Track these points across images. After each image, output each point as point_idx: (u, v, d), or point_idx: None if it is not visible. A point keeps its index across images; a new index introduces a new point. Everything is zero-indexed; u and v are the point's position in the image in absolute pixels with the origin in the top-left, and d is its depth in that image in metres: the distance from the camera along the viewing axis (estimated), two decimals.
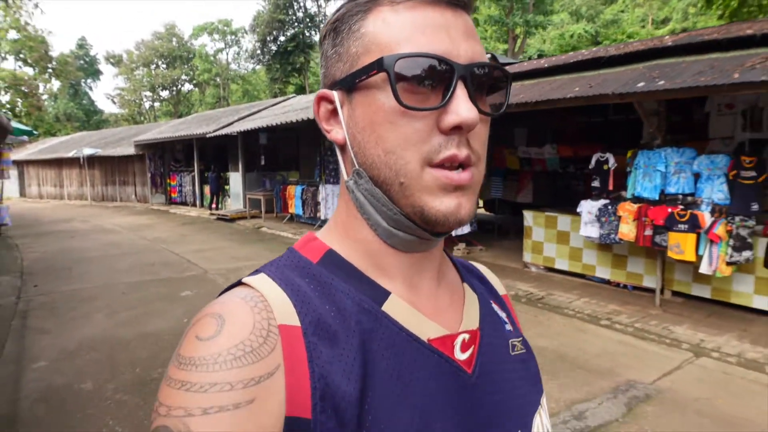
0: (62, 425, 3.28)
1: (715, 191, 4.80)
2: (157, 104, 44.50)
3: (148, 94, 42.68)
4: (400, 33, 0.47)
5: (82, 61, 44.57)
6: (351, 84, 0.50)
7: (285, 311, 0.46)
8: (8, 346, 4.67)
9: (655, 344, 4.50)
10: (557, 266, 6.69)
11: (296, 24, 28.51)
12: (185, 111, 39.76)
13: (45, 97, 33.99)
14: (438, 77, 0.46)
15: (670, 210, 4.97)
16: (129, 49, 42.60)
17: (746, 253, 4.68)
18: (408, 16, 0.48)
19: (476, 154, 0.49)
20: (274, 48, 28.31)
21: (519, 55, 19.05)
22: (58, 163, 23.10)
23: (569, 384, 3.76)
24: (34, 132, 13.15)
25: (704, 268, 4.84)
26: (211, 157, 15.89)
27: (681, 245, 4.89)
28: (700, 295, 5.41)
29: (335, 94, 0.52)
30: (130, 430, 3.20)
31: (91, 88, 47.78)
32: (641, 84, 4.46)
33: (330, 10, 38.55)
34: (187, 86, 41.88)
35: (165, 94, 42.79)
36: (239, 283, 0.50)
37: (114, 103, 44.95)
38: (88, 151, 19.94)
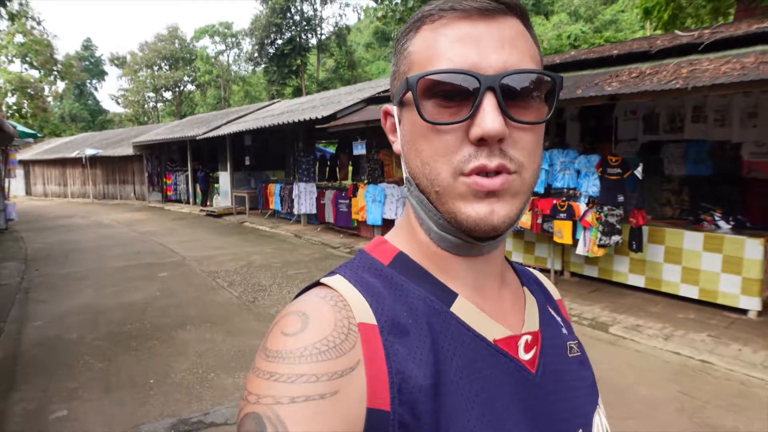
0: (52, 360, 4.47)
1: (591, 185, 5.91)
2: (160, 105, 46.11)
3: (152, 94, 44.30)
4: (434, 50, 0.51)
5: (87, 62, 46.29)
6: (399, 100, 0.55)
7: (363, 310, 0.50)
8: (13, 312, 5.91)
9: None
10: None
11: (293, 27, 29.80)
12: (188, 111, 41.22)
13: (50, 99, 35.58)
14: (465, 90, 0.48)
15: (554, 201, 6.09)
16: (133, 51, 44.27)
17: (615, 237, 5.78)
18: (442, 33, 0.51)
19: (516, 162, 0.50)
20: (271, 51, 29.64)
21: None
22: (62, 163, 24.56)
23: None
24: (39, 134, 14.47)
25: (579, 250, 5.96)
26: (206, 157, 17.18)
27: (562, 231, 6.01)
28: (591, 275, 6.53)
29: (395, 110, 0.57)
30: (101, 361, 4.39)
31: (96, 89, 49.64)
32: None
33: (326, 13, 39.60)
34: (190, 87, 43.42)
35: (168, 95, 44.38)
36: (317, 284, 0.54)
37: (118, 103, 46.65)
38: (90, 152, 21.34)
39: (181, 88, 42.82)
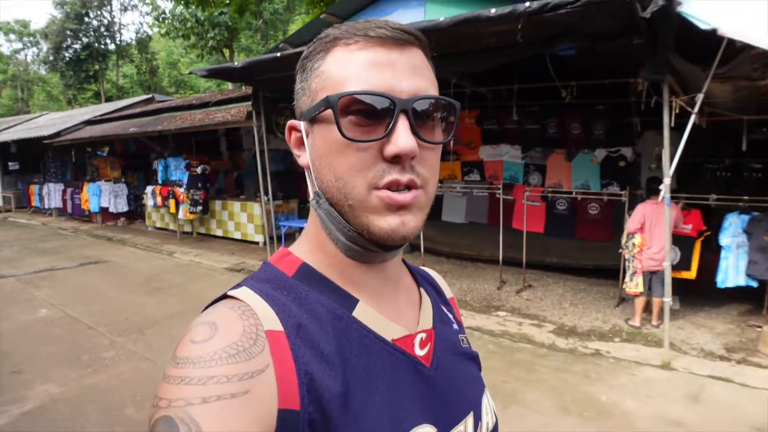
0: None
1: (180, 177, 11.21)
2: None
3: None
4: (350, 71, 0.59)
5: None
6: (311, 116, 0.62)
7: (269, 318, 0.57)
8: None
9: (153, 252, 10.76)
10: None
11: (91, 33, 32.58)
12: None
13: None
14: (381, 111, 0.57)
15: (168, 188, 11.32)
16: None
17: (198, 208, 11.11)
18: (358, 55, 0.59)
19: (422, 178, 0.61)
20: (67, 55, 32.11)
21: None
22: None
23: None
24: None
25: (180, 215, 11.25)
26: None
27: (171, 207, 11.25)
28: (201, 232, 11.88)
29: (302, 125, 0.65)
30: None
31: None
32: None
33: (126, 20, 42.11)
34: None
35: None
36: (224, 297, 0.61)
37: None
38: None
39: None
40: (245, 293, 0.60)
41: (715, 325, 5.79)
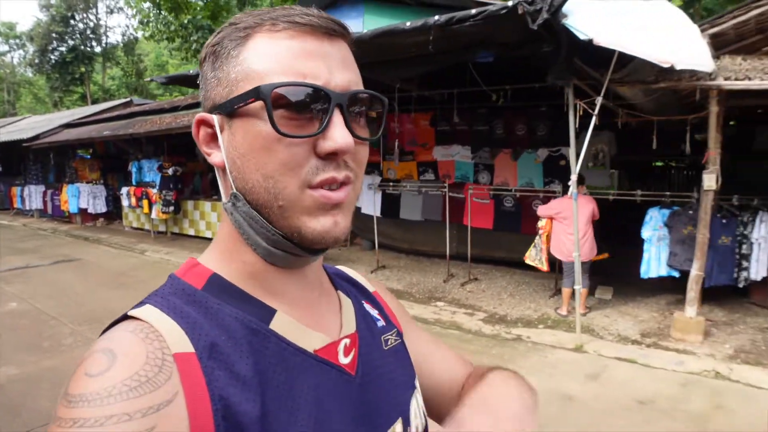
0: None
1: (153, 178, 11.63)
2: None
3: None
4: (279, 61, 0.54)
5: None
6: (230, 109, 0.56)
7: (177, 339, 0.51)
8: None
9: (126, 250, 11.20)
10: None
11: (77, 36, 32.98)
12: None
13: None
14: (315, 105, 0.54)
15: (142, 189, 11.75)
16: None
17: (170, 208, 11.53)
18: (286, 44, 0.55)
19: (354, 173, 0.59)
20: (53, 58, 32.52)
21: None
22: None
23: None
24: None
25: (153, 215, 11.68)
26: None
27: (144, 207, 11.68)
28: (176, 231, 12.30)
29: (215, 118, 0.58)
30: None
31: None
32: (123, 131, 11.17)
33: (112, 22, 42.35)
34: None
35: None
36: (125, 317, 0.55)
37: None
38: None
39: None
40: (149, 312, 0.55)
41: (640, 313, 6.25)
